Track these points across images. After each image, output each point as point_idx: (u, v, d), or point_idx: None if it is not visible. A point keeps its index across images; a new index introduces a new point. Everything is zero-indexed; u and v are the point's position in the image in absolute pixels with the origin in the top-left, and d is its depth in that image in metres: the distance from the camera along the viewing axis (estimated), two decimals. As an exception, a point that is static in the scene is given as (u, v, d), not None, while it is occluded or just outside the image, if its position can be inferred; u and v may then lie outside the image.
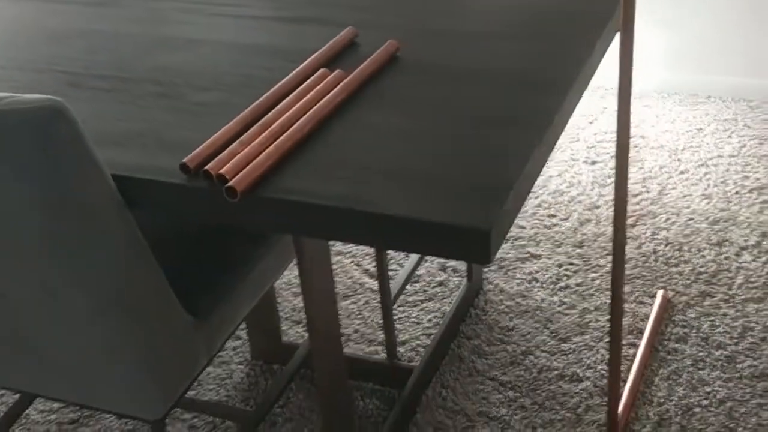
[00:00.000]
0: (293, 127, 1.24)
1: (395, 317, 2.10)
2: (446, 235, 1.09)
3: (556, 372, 1.92)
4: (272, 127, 1.25)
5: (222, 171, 1.17)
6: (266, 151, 1.20)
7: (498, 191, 1.12)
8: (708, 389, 1.85)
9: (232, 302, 1.50)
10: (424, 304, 2.13)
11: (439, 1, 1.59)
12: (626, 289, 2.11)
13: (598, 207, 2.38)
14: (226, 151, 1.21)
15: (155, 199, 1.22)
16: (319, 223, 1.15)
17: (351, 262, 2.28)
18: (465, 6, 1.57)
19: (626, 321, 2.03)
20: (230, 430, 1.85)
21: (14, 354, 1.37)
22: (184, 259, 1.51)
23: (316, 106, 1.28)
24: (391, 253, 2.30)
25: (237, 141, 1.23)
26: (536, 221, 2.35)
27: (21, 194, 1.13)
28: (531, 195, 2.45)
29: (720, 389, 1.84)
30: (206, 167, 1.18)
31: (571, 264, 2.20)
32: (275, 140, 1.22)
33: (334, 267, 2.27)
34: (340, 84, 1.33)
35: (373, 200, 1.13)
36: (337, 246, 2.34)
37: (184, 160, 1.19)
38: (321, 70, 1.37)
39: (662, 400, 1.83)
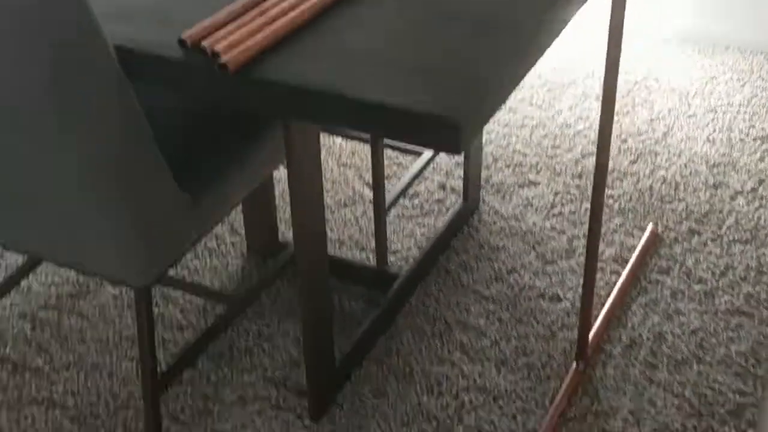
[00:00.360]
0: (291, 13, 1.29)
1: (390, 229, 2.16)
2: (422, 123, 1.15)
3: (537, 291, 1.98)
4: (271, 11, 1.30)
5: (217, 48, 1.22)
6: (262, 32, 1.25)
7: (475, 86, 1.17)
8: (683, 319, 1.90)
9: (224, 187, 1.56)
10: (420, 219, 2.19)
11: None
12: (617, 220, 2.16)
13: (601, 142, 2.42)
14: (223, 30, 1.27)
15: (153, 71, 1.28)
16: (304, 105, 1.21)
17: (354, 174, 2.34)
18: None
19: (613, 250, 2.08)
20: (219, 314, 1.93)
21: (11, 210, 1.44)
22: (183, 141, 1.57)
23: (315, -3, 1.33)
24: (393, 168, 2.35)
25: (235, 22, 1.28)
26: (540, 150, 2.40)
27: (26, 55, 1.18)
28: (538, 126, 2.49)
29: (694, 321, 1.90)
30: (203, 43, 1.24)
31: (568, 193, 2.25)
32: (272, 23, 1.28)
33: (337, 178, 2.33)
34: (342, -21, 1.38)
35: (358, 87, 1.18)
36: (342, 158, 2.40)
37: (183, 36, 1.25)
38: (325, -35, 1.41)
39: (636, 325, 1.89)
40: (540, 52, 1.32)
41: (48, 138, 1.28)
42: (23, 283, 2.03)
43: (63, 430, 1.73)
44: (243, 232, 2.16)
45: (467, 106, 1.14)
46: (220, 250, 2.11)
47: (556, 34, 1.37)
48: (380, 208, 1.92)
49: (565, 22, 1.39)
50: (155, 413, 1.62)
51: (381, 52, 1.24)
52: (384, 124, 1.17)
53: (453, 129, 1.13)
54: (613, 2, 1.49)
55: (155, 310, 1.96)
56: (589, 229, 1.67)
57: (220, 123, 1.61)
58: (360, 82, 1.19)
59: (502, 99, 1.24)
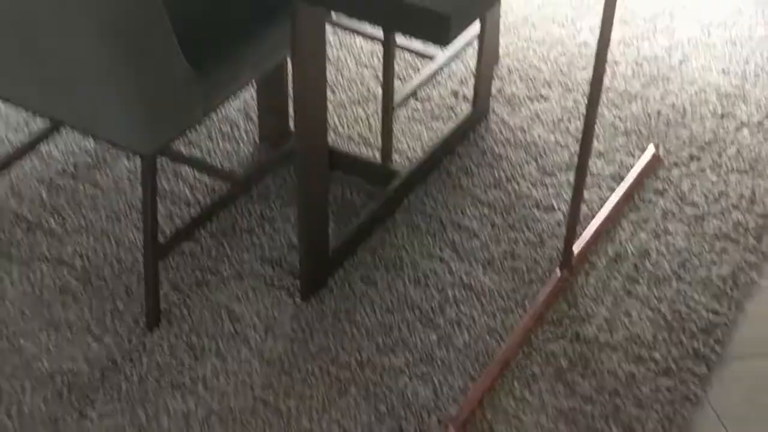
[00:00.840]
0: None
1: (398, 129, 2.22)
2: (410, 13, 1.20)
3: (533, 200, 2.05)
4: None
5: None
6: None
7: (468, -17, 1.22)
8: (669, 239, 1.96)
9: (232, 65, 1.63)
10: (429, 123, 2.25)
11: None
12: (621, 140, 2.21)
13: (618, 64, 2.45)
14: None
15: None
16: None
17: (371, 74, 2.40)
18: None
19: (612, 168, 2.13)
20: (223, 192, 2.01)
21: (30, 72, 1.52)
22: (196, 16, 1.64)
23: None
24: (410, 72, 2.40)
25: None
26: (556, 67, 2.44)
27: None
28: (557, 43, 2.52)
29: (681, 241, 1.96)
30: None
31: (576, 110, 2.30)
32: None
33: (354, 77, 2.39)
34: None
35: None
36: (362, 58, 2.45)
37: None
38: None
39: (624, 241, 1.95)
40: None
41: (64, 2, 1.35)
42: (44, 149, 2.13)
43: (69, 288, 1.83)
44: (257, 120, 2.23)
45: (456, 3, 1.19)
46: (234, 135, 2.19)
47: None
48: (388, 105, 1.98)
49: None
50: (154, 277, 1.72)
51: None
52: (379, 12, 1.23)
53: (443, 23, 1.18)
54: None
55: (166, 185, 2.05)
56: (581, 142, 1.73)
57: (232, 4, 1.67)
58: (360, -30, 1.24)
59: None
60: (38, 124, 2.21)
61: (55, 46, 1.43)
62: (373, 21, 1.25)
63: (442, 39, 1.20)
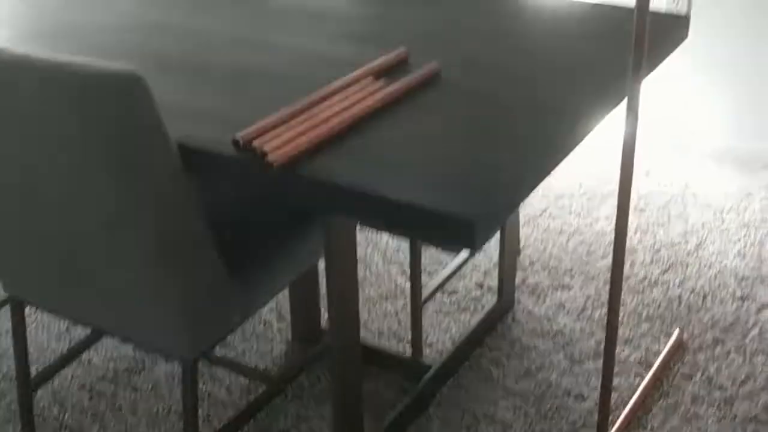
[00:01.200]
0: (334, 120, 1.46)
1: (427, 323, 2.28)
2: (439, 222, 1.29)
3: (563, 389, 2.08)
4: (317, 117, 1.46)
5: (266, 147, 1.39)
6: (306, 136, 1.41)
7: (490, 192, 1.31)
8: (700, 423, 1.98)
9: (270, 275, 1.71)
10: (456, 315, 2.31)
11: (493, 39, 1.80)
12: (645, 326, 2.26)
13: (635, 251, 2.53)
14: (272, 132, 1.43)
15: (210, 166, 1.45)
16: (337, 202, 1.36)
17: (397, 269, 2.48)
18: (514, 45, 1.77)
19: (639, 354, 2.17)
20: (260, 393, 2.05)
21: (73, 286, 1.61)
22: (235, 231, 1.73)
23: (357, 106, 1.50)
24: (435, 266, 2.49)
25: (284, 125, 1.45)
26: (576, 256, 2.52)
27: (93, 148, 1.36)
28: (575, 233, 2.61)
29: (711, 425, 1.97)
30: (254, 143, 1.41)
31: (599, 298, 2.36)
32: (316, 128, 1.44)
33: (381, 272, 2.47)
34: (383, 91, 1.54)
35: (385, 187, 1.33)
36: (388, 254, 2.54)
37: (236, 136, 1.42)
38: (369, 78, 1.58)
39: (655, 427, 1.97)
40: (560, 159, 1.46)
41: (108, 223, 1.44)
42: (85, 356, 2.19)
43: (109, 494, 1.86)
44: (290, 318, 2.30)
45: (481, 209, 1.28)
46: (267, 335, 2.25)
47: (574, 147, 1.51)
48: (417, 301, 2.05)
49: (583, 137, 1.54)
50: (194, 481, 1.74)
51: (410, 156, 1.39)
52: (407, 223, 1.32)
53: (469, 229, 1.27)
54: (626, 118, 1.62)
55: (204, 388, 2.10)
56: (607, 330, 1.78)
57: (270, 216, 1.77)
58: (388, 183, 1.34)
59: (516, 203, 1.37)
60: (79, 331, 2.29)
61: (101, 265, 1.52)
62: (404, 234, 1.34)
63: (470, 243, 1.27)
